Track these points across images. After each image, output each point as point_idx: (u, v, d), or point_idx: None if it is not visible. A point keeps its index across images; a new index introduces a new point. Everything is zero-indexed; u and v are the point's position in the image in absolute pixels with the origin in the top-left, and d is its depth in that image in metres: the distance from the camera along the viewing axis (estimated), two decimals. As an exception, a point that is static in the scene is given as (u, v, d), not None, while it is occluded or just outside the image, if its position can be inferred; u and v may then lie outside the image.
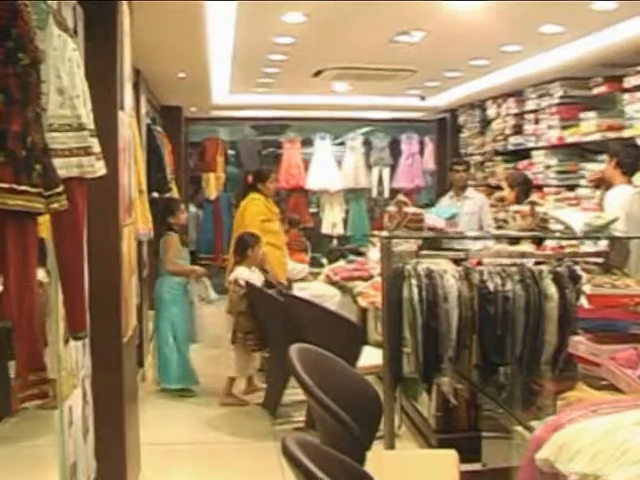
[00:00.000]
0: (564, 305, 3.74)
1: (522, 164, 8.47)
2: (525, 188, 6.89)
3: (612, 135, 6.48)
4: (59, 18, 2.70)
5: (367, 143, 12.38)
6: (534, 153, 8.19)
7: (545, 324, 3.75)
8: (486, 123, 9.71)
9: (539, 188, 7.73)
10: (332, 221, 12.28)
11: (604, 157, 6.16)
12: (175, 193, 8.35)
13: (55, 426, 2.89)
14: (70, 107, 2.59)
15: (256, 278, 6.39)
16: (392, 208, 6.19)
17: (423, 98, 10.04)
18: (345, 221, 12.40)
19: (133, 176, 4.70)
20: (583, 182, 7.26)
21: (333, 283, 7.38)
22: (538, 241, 5.08)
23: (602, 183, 6.06)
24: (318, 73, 7.93)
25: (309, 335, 4.92)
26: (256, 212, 7.17)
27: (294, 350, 3.00)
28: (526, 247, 4.94)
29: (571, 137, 7.29)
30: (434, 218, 4.75)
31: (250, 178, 7.94)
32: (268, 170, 7.84)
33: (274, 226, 7.32)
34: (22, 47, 2.19)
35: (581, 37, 5.96)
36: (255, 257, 6.52)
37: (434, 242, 4.71)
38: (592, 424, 2.27)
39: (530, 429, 2.61)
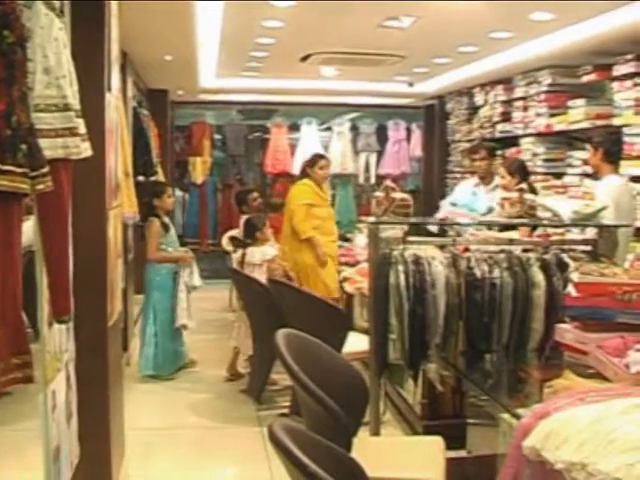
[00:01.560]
0: (551, 293, 3.74)
1: (510, 152, 8.45)
2: (522, 175, 6.81)
3: (600, 123, 6.46)
4: (45, -4, 2.65)
5: (354, 129, 12.35)
6: (522, 141, 8.16)
7: (532, 311, 3.75)
8: (474, 110, 9.68)
9: (526, 176, 7.71)
10: (319, 206, 12.23)
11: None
12: (161, 176, 8.31)
13: (38, 410, 2.87)
14: (56, 87, 2.55)
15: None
16: (379, 194, 6.19)
17: (411, 84, 10.01)
18: (332, 207, 12.34)
19: (119, 159, 4.66)
20: (570, 170, 7.26)
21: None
22: (532, 229, 5.07)
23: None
24: (306, 58, 7.88)
25: (294, 321, 4.92)
26: (300, 197, 7.20)
27: (280, 335, 2.99)
28: (514, 234, 4.95)
29: (559, 125, 7.27)
30: (463, 213, 4.63)
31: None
32: (318, 156, 7.72)
33: (322, 212, 7.30)
34: (7, 25, 2.15)
35: (571, 25, 5.94)
36: (265, 237, 6.70)
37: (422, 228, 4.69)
38: (579, 412, 2.27)
39: (517, 417, 2.60)
